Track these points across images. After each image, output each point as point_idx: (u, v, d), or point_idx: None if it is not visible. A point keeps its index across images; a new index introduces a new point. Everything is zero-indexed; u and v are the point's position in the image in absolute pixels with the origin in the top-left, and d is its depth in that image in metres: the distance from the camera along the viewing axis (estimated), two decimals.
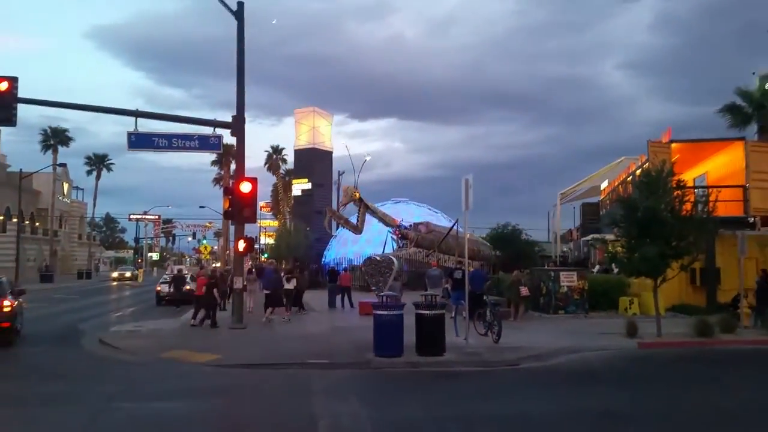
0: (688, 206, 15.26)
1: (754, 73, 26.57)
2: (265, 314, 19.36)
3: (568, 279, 20.09)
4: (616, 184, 39.03)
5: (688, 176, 22.10)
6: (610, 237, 24.17)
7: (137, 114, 17.54)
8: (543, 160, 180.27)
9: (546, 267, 26.82)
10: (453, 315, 15.66)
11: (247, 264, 26.04)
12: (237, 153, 18.46)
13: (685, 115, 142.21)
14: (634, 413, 8.33)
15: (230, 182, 32.43)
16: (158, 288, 29.05)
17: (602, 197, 43.91)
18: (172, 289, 27.04)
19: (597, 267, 27.39)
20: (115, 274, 62.27)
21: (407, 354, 12.03)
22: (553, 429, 7.52)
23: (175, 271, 31.28)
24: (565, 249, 46.83)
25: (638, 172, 33.60)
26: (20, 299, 16.54)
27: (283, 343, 14.62)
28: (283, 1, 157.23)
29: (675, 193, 15.34)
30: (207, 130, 17.96)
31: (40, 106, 17.65)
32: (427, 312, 12.15)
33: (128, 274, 61.72)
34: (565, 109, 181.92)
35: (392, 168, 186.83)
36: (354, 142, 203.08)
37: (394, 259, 22.44)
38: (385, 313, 12.16)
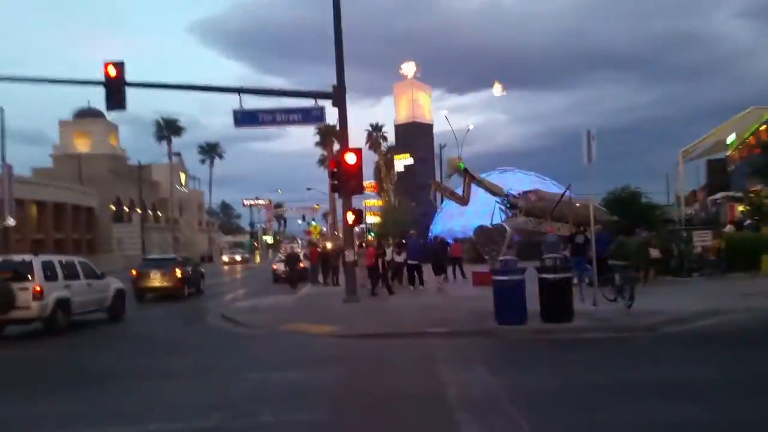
0: None
1: None
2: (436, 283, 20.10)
3: (703, 238, 18.36)
4: (747, 135, 35.56)
5: None
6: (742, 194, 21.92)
7: (241, 90, 17.78)
8: (657, 121, 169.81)
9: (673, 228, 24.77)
10: (576, 282, 14.56)
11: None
12: (339, 124, 18.19)
13: None
14: None
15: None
16: (274, 266, 29.98)
17: (729, 152, 40.20)
18: (286, 268, 27.57)
19: (729, 227, 24.95)
20: (225, 258, 64.60)
21: (531, 321, 11.29)
22: (713, 394, 6.58)
23: (289, 250, 32.02)
24: (689, 211, 43.45)
25: None
26: (201, 269, 25.82)
27: (397, 314, 14.30)
28: None
29: None
30: (309, 104, 17.84)
31: (147, 89, 18.54)
32: (551, 276, 11.31)
33: (238, 257, 63.78)
34: (678, 67, 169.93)
35: (495, 140, 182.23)
36: (454, 116, 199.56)
37: (507, 227, 21.53)
38: (506, 278, 11.42)
